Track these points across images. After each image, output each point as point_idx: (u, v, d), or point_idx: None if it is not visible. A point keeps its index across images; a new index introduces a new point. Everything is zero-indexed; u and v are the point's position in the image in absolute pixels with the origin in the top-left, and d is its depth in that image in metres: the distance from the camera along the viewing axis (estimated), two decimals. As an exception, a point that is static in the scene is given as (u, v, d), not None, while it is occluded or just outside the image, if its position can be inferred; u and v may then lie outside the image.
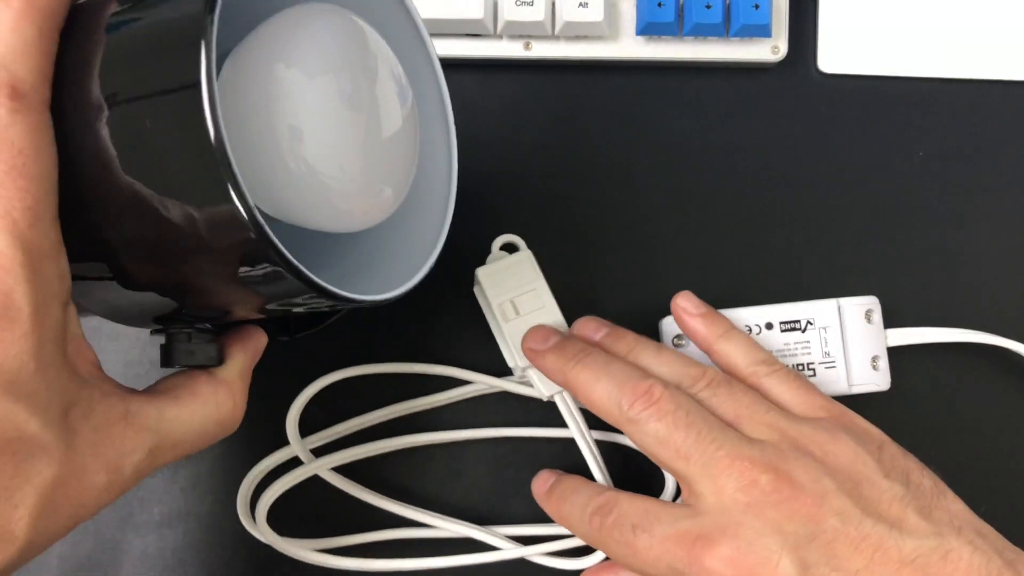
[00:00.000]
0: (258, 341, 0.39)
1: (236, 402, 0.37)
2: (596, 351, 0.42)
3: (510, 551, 0.46)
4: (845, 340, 0.47)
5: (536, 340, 0.44)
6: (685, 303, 0.45)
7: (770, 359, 0.43)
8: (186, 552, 0.48)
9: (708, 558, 0.36)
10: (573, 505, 0.41)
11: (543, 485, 0.44)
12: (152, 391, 0.35)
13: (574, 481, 0.43)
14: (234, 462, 0.48)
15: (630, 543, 0.38)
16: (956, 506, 0.38)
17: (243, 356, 0.38)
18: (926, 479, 0.38)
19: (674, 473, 0.39)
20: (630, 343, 0.43)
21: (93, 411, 0.31)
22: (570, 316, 0.46)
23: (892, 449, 0.39)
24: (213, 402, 0.35)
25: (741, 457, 0.37)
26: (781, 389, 0.41)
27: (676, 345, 0.47)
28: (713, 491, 0.37)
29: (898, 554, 0.35)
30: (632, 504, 0.39)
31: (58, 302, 0.30)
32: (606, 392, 0.40)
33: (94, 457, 0.30)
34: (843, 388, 0.46)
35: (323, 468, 0.47)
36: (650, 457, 0.40)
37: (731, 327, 0.44)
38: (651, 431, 0.39)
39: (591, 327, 0.45)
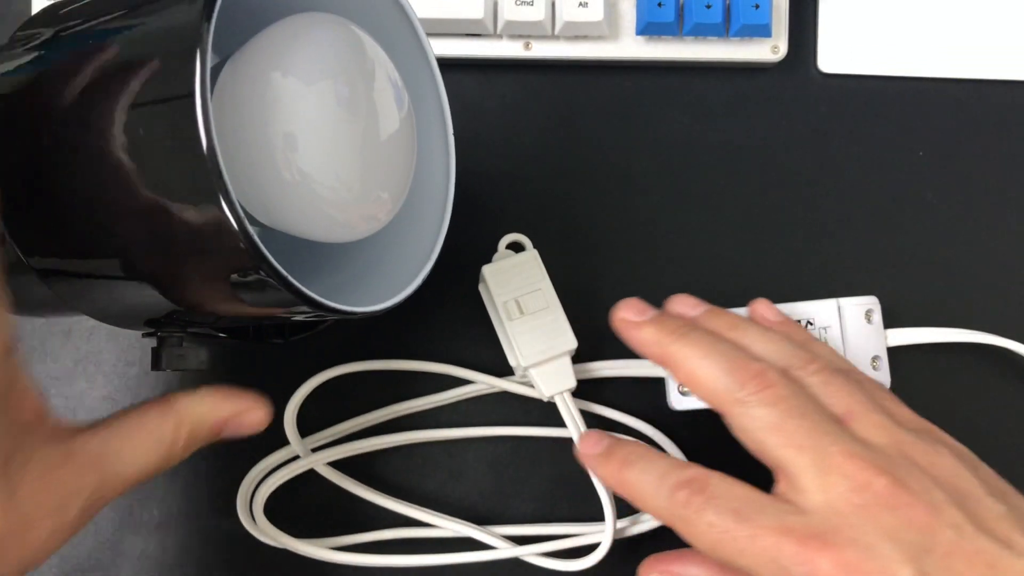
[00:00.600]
0: (244, 411, 0.37)
1: (183, 440, 0.35)
2: (699, 328, 0.40)
3: (506, 551, 0.46)
4: (845, 340, 0.47)
5: (631, 311, 0.41)
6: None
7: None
8: (186, 552, 0.48)
9: (823, 559, 0.33)
10: (647, 473, 0.38)
11: (595, 445, 0.41)
12: (98, 424, 0.34)
13: (641, 447, 0.40)
14: (234, 462, 0.48)
15: (728, 529, 0.35)
16: None
17: (216, 404, 0.36)
18: (1021, 501, 0.36)
19: (777, 462, 0.36)
20: (732, 321, 0.41)
21: (33, 459, 0.30)
22: (570, 316, 0.46)
23: (987, 468, 0.38)
24: (158, 435, 0.34)
25: (855, 456, 0.35)
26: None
27: None
28: (821, 488, 0.35)
29: (1012, 573, 0.33)
30: (728, 487, 0.36)
31: None
32: (713, 371, 0.38)
33: (36, 506, 0.30)
34: (843, 388, 0.46)
35: (320, 463, 0.47)
36: (749, 444, 0.37)
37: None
38: (760, 416, 0.36)
39: (688, 304, 0.42)
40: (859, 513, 0.34)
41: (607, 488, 0.44)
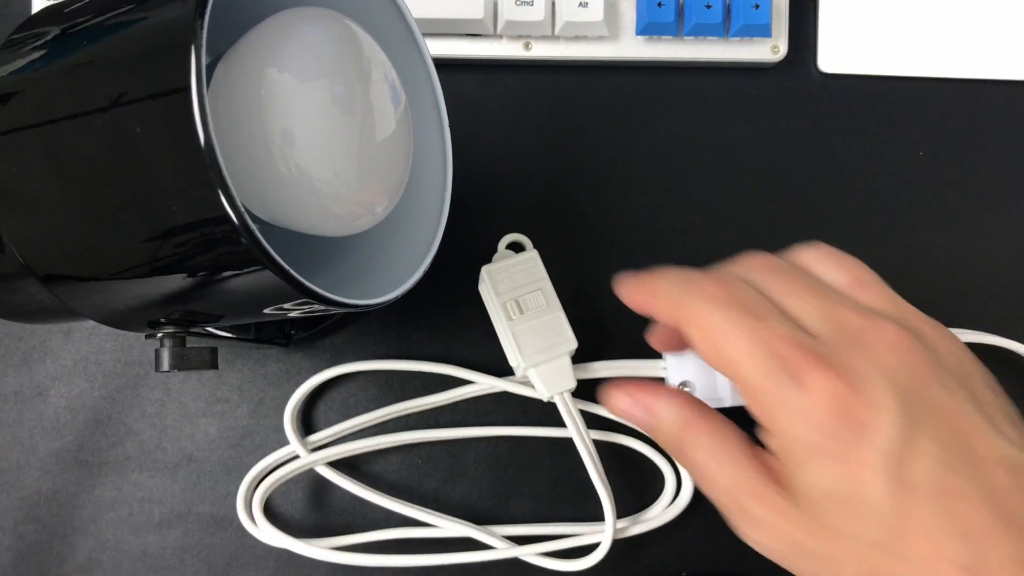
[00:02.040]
0: None
1: None
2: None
3: (506, 551, 0.46)
4: None
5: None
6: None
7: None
8: (186, 552, 0.48)
9: (815, 374, 0.34)
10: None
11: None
12: None
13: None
14: (234, 462, 0.48)
15: (741, 320, 0.36)
16: None
17: None
18: (1013, 409, 0.37)
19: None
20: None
21: None
22: (570, 316, 0.46)
23: (992, 378, 0.38)
24: None
25: (867, 313, 0.36)
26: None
27: None
28: (833, 323, 0.36)
29: (992, 452, 0.33)
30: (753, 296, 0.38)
31: None
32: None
33: None
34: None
35: (319, 463, 0.47)
36: None
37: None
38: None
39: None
40: (864, 349, 0.34)
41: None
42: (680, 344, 0.40)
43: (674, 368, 0.47)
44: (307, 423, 0.48)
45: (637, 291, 0.40)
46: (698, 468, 0.38)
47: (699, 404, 0.39)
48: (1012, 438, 0.34)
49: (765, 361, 0.35)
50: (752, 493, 0.36)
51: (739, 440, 0.37)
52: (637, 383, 0.39)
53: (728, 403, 0.46)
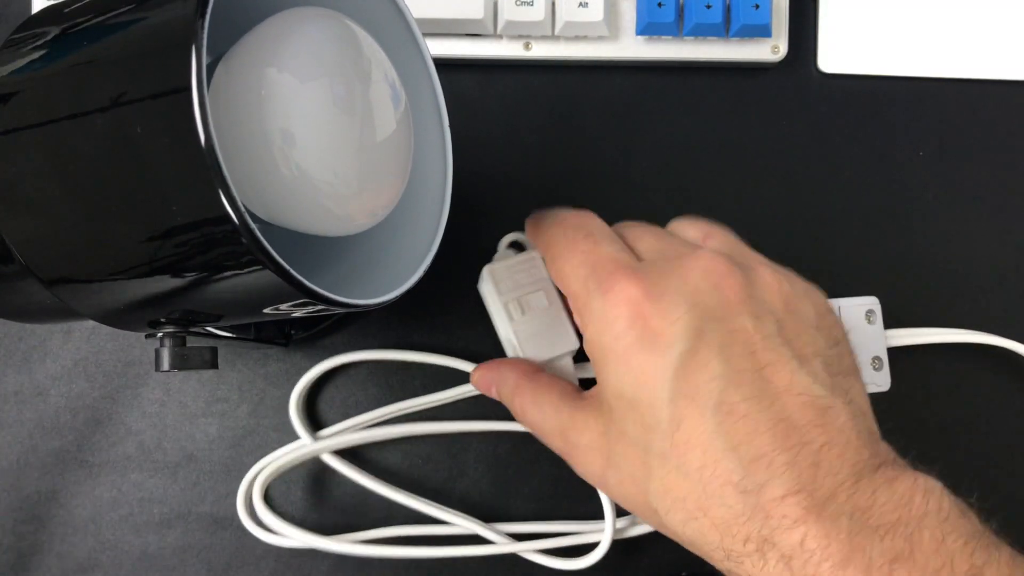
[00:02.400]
0: None
1: None
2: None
3: (506, 546, 0.46)
4: None
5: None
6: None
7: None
8: (186, 552, 0.48)
9: (623, 283, 0.36)
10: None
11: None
12: None
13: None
14: (234, 462, 0.48)
15: (576, 240, 0.40)
16: (859, 392, 0.37)
17: None
18: (851, 360, 0.38)
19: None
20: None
21: None
22: (571, 318, 0.46)
23: (837, 320, 0.40)
24: None
25: (703, 252, 0.38)
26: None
27: None
28: (659, 250, 0.40)
29: (790, 385, 0.34)
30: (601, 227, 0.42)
31: None
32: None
33: None
34: (842, 389, 0.46)
35: (324, 451, 0.47)
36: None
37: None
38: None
39: None
40: (677, 270, 0.37)
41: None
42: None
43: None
44: (311, 421, 0.48)
45: (529, 222, 0.45)
46: (528, 421, 0.42)
47: (530, 368, 0.43)
48: (820, 378, 0.35)
49: (584, 272, 0.38)
50: (572, 426, 0.39)
51: (561, 389, 0.41)
52: (493, 361, 0.45)
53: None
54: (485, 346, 0.48)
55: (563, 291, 0.40)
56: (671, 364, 0.34)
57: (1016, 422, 0.49)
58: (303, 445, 0.47)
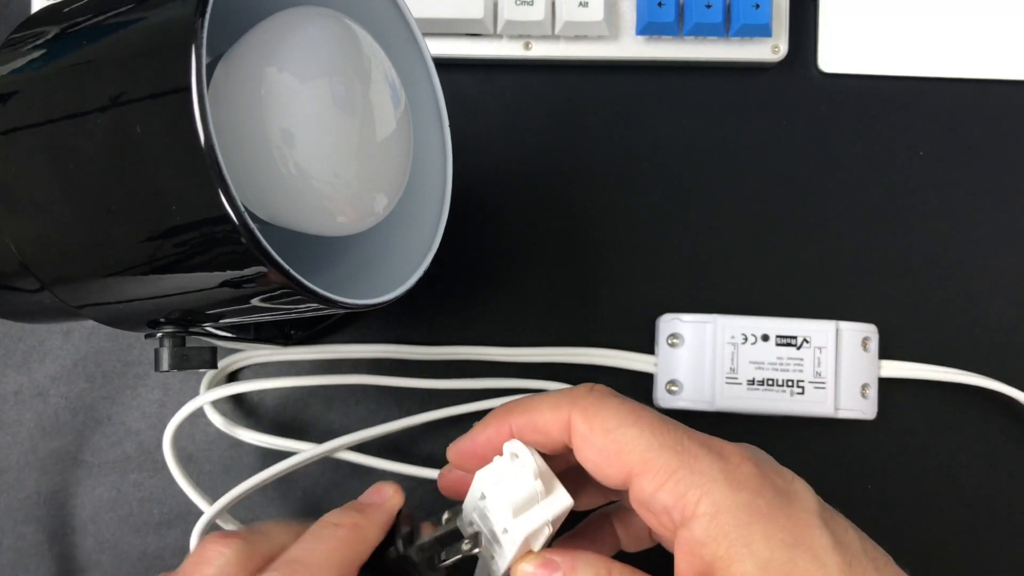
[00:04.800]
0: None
1: None
2: None
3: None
4: (838, 363, 0.47)
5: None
6: None
7: None
8: (186, 552, 0.48)
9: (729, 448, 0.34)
10: None
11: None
12: None
13: None
14: (234, 462, 0.48)
15: None
16: None
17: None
18: None
19: None
20: None
21: None
22: (569, 315, 0.46)
23: None
24: None
25: None
26: None
27: (670, 344, 0.47)
28: None
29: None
30: None
31: None
32: None
33: None
34: (829, 411, 0.47)
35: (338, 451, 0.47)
36: None
37: None
38: None
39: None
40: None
41: None
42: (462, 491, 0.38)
43: (664, 366, 0.47)
44: (302, 426, 0.48)
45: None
46: None
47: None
48: None
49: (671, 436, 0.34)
50: None
51: None
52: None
53: (716, 407, 0.47)
54: (485, 346, 0.48)
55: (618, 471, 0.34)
56: (816, 513, 0.33)
57: (1001, 469, 0.49)
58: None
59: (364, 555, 0.35)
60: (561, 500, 0.35)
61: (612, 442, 0.34)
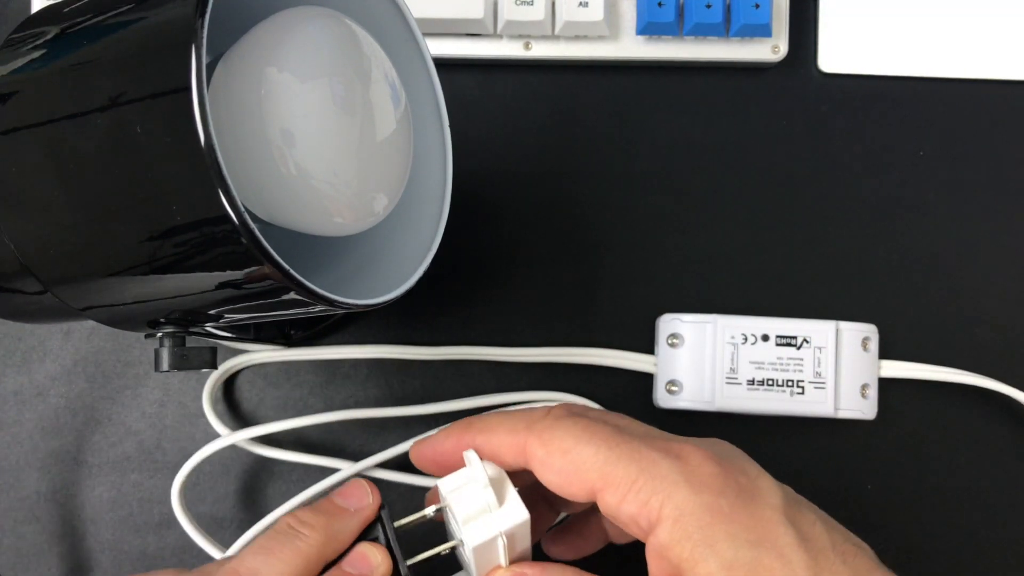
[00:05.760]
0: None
1: None
2: None
3: None
4: (838, 364, 0.47)
5: None
6: None
7: None
8: (186, 552, 0.48)
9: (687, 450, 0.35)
10: None
11: None
12: None
13: None
14: (234, 462, 0.48)
15: None
16: None
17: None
18: None
19: None
20: None
21: None
22: (570, 314, 0.46)
23: None
24: None
25: None
26: None
27: (670, 344, 0.47)
28: None
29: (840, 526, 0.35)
30: None
31: None
32: None
33: None
34: (829, 411, 0.46)
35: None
36: None
37: None
38: None
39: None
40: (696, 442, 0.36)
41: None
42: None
43: (664, 366, 0.47)
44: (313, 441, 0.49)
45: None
46: None
47: None
48: None
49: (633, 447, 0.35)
50: None
51: None
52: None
53: (716, 407, 0.47)
54: (485, 346, 0.48)
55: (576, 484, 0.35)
56: (781, 509, 0.33)
57: (1000, 470, 0.49)
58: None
59: (321, 565, 0.35)
60: (515, 513, 0.35)
61: (570, 463, 0.34)
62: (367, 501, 0.36)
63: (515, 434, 0.35)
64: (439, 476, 0.36)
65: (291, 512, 0.36)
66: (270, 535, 0.35)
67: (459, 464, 0.36)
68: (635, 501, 0.33)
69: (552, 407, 0.37)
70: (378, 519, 0.36)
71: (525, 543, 0.36)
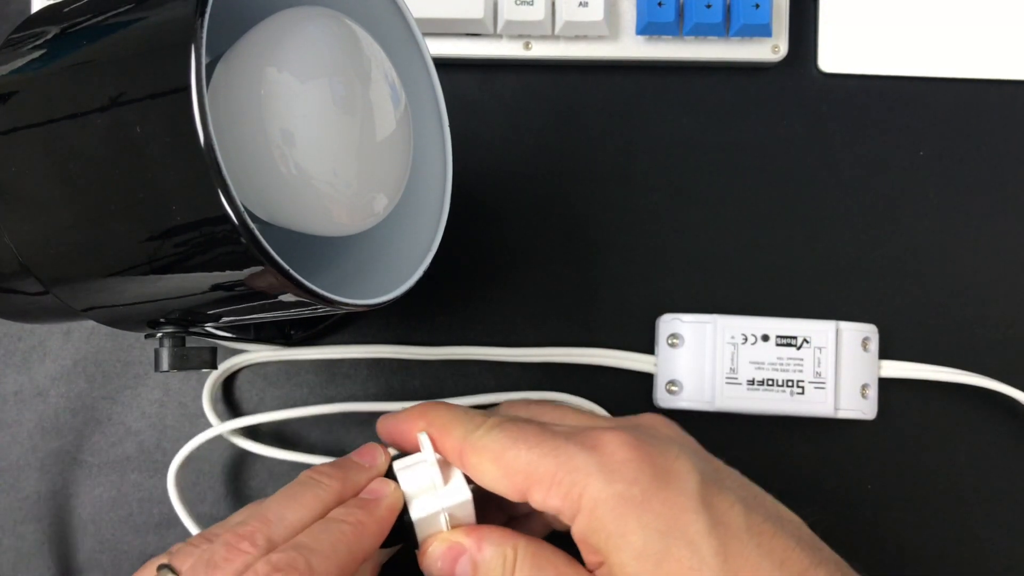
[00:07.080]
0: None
1: None
2: None
3: None
4: (838, 364, 0.47)
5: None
6: None
7: None
8: (186, 552, 0.48)
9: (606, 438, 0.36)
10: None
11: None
12: None
13: None
14: (234, 462, 0.48)
15: None
16: None
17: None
18: None
19: None
20: None
21: None
22: (569, 314, 0.46)
23: None
24: None
25: None
26: None
27: (670, 344, 0.47)
28: None
29: (772, 504, 0.36)
30: None
31: None
32: None
33: None
34: (829, 411, 0.46)
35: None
36: None
37: None
38: None
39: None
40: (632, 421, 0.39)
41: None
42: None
43: (664, 366, 0.47)
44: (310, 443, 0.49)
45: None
46: None
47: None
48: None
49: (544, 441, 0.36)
50: None
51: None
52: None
53: (716, 407, 0.47)
54: (485, 346, 0.48)
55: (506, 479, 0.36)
56: (695, 494, 0.34)
57: (1000, 470, 0.49)
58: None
59: (369, 552, 0.36)
60: (458, 492, 0.37)
61: (500, 468, 0.36)
62: (380, 460, 0.39)
63: (455, 440, 0.37)
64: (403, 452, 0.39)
65: (312, 467, 0.38)
66: (293, 485, 0.37)
67: (416, 442, 0.38)
68: (556, 495, 0.35)
69: (490, 417, 0.38)
70: (390, 474, 0.38)
71: (469, 522, 0.38)
